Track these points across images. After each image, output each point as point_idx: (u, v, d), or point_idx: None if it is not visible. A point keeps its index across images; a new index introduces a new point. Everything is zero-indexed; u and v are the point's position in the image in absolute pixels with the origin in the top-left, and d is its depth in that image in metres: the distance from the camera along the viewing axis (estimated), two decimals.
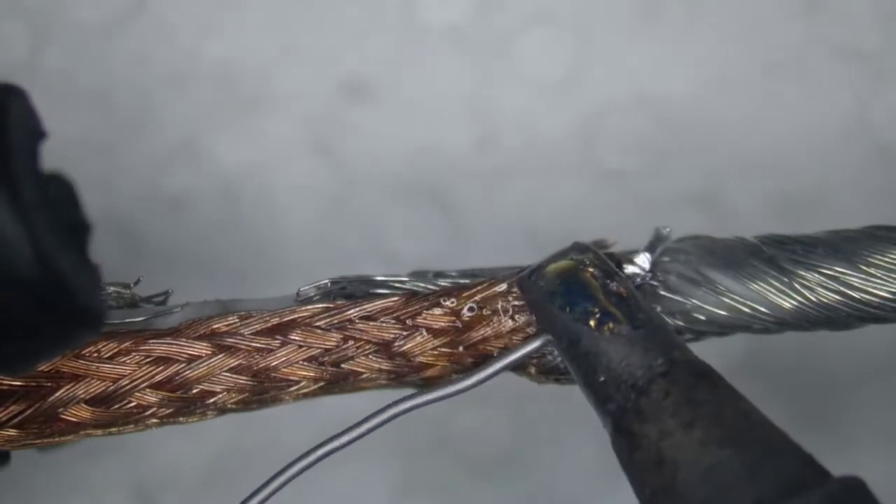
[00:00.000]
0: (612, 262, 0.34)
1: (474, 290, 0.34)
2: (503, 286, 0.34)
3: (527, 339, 0.34)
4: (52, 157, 0.30)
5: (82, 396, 0.33)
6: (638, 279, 0.34)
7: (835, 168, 0.56)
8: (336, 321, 0.34)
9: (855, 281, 0.33)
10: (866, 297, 0.33)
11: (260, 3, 0.57)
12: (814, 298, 0.33)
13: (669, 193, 0.56)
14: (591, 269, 0.33)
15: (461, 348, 0.34)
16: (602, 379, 0.31)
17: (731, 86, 0.57)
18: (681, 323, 0.34)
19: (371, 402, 0.57)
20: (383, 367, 0.34)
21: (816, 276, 0.33)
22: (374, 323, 0.34)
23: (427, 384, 0.35)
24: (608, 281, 0.32)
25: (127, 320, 0.34)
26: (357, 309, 0.34)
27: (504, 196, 0.57)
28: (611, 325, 0.31)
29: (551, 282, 0.33)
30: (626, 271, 0.34)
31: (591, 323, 0.31)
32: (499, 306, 0.34)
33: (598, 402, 0.31)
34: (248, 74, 0.57)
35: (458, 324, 0.34)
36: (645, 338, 0.31)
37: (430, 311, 0.34)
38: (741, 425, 0.29)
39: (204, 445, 0.57)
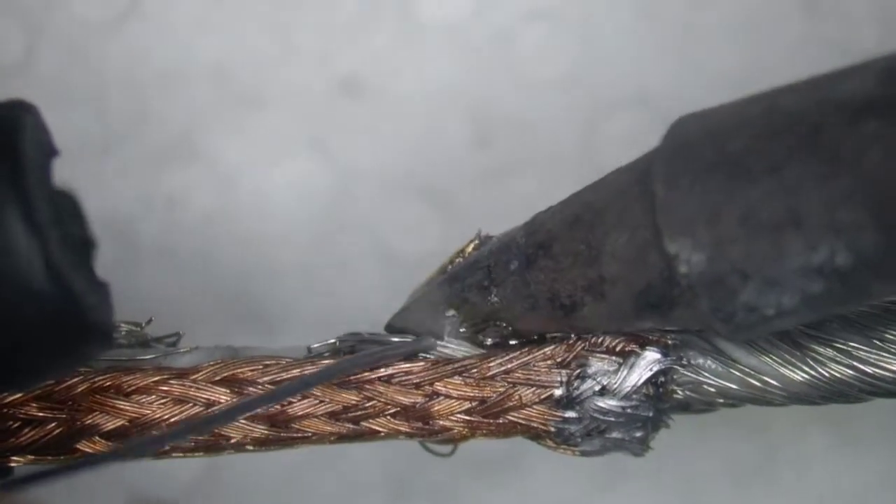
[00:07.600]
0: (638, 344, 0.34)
1: (498, 360, 0.34)
2: (526, 358, 0.34)
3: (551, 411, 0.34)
4: None
5: (99, 430, 0.33)
6: (659, 365, 0.34)
7: None
8: (356, 380, 0.34)
9: (868, 356, 0.32)
10: (880, 372, 0.32)
11: (256, 0, 0.57)
12: (826, 373, 0.32)
13: None
14: None
15: (482, 417, 0.34)
16: None
17: (731, 85, 0.57)
18: (691, 394, 0.33)
19: None
20: (402, 430, 0.34)
21: (830, 350, 0.32)
22: (395, 386, 0.34)
23: (450, 442, 0.35)
24: None
25: (137, 358, 0.34)
26: (379, 371, 0.34)
27: (503, 196, 0.57)
28: None
29: None
30: (647, 355, 0.34)
31: None
32: (521, 378, 0.34)
33: None
34: (244, 72, 0.57)
35: (480, 393, 0.34)
36: None
37: (450, 379, 0.34)
38: None
39: None
